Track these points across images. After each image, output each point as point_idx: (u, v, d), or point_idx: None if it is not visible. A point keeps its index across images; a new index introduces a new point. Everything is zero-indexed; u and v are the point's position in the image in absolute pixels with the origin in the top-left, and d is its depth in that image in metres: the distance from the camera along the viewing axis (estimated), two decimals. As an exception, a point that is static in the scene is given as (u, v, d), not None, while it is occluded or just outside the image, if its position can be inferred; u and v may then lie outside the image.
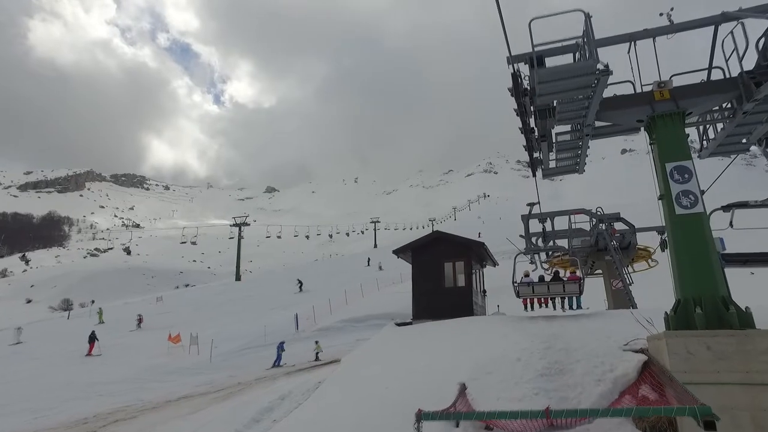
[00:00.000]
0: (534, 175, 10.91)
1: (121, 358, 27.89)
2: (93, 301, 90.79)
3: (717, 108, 8.73)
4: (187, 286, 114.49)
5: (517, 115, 8.27)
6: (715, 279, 6.95)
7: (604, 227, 19.10)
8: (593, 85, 7.36)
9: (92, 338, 29.62)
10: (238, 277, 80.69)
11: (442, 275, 17.87)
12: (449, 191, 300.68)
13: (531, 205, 19.23)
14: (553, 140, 9.50)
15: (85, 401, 19.70)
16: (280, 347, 25.41)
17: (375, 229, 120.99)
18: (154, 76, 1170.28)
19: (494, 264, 21.89)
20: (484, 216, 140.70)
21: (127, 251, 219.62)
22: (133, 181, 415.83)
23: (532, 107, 8.31)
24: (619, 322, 10.77)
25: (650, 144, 8.20)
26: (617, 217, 19.37)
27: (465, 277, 17.64)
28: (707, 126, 9.40)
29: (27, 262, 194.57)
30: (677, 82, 8.20)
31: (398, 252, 19.04)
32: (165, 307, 51.45)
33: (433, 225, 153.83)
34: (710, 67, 8.22)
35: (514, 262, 16.21)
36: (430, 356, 10.19)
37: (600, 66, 7.08)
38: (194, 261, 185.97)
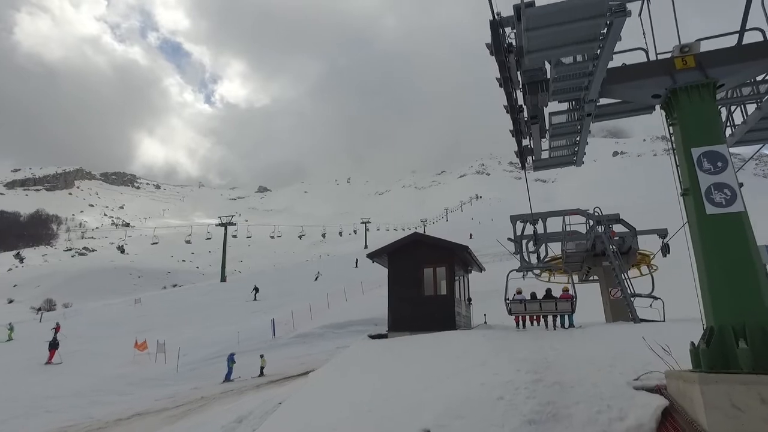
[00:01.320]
0: (523, 167, 9.17)
1: (82, 367, 25.97)
2: (65, 304, 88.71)
3: (749, 82, 6.99)
4: (174, 286, 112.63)
5: (500, 85, 6.49)
6: (763, 300, 5.12)
7: (602, 230, 17.38)
8: (601, 38, 5.56)
9: (53, 345, 27.63)
10: (223, 278, 78.74)
11: (421, 282, 16.14)
12: (442, 192, 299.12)
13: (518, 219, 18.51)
14: (547, 123, 7.76)
15: (27, 420, 17.78)
16: (230, 359, 23.35)
17: (366, 230, 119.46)
18: (145, 74, 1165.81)
19: (480, 269, 20.24)
20: (477, 218, 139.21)
21: (121, 250, 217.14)
22: (124, 179, 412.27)
23: (519, 74, 6.56)
24: (623, 343, 9.03)
25: (669, 125, 6.41)
26: (616, 219, 17.72)
27: (447, 285, 15.91)
28: (733, 107, 7.66)
29: (21, 260, 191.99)
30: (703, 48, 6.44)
31: (373, 256, 17.28)
32: (143, 310, 49.43)
33: (424, 226, 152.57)
34: (743, 29, 6.45)
35: (507, 279, 16.24)
36: (394, 387, 8.38)
37: (612, 2, 5.29)
38: (183, 261, 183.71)
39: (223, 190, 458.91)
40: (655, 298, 15.74)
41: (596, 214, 17.63)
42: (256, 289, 50.64)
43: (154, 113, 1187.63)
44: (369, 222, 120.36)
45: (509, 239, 18.87)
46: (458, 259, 17.09)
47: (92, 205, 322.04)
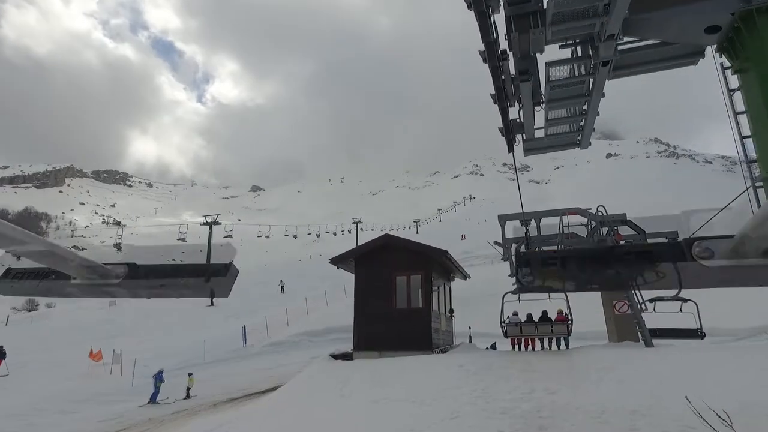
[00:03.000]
0: (510, 148, 6.91)
1: (29, 381, 23.57)
2: (48, 304, 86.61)
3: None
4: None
5: (470, 6, 4.20)
6: None
7: (606, 232, 15.12)
8: None
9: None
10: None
11: (392, 293, 13.94)
12: (435, 193, 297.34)
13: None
14: (542, 83, 5.50)
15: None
16: (158, 378, 20.69)
17: (357, 230, 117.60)
18: (136, 71, 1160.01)
19: (464, 277, 18.04)
20: (473, 218, 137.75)
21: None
22: (116, 177, 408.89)
23: (502, 3, 4.31)
24: (643, 383, 6.78)
25: (733, 72, 4.15)
26: (623, 220, 15.23)
27: (423, 296, 13.73)
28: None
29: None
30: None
31: (337, 261, 15.02)
32: (116, 313, 46.94)
33: (417, 226, 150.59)
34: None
35: (502, 302, 16.02)
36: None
37: None
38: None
39: (216, 189, 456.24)
40: (684, 300, 13.82)
41: (600, 214, 15.17)
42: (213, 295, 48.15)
43: (147, 111, 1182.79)
44: (360, 222, 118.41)
45: (496, 243, 16.74)
46: (436, 265, 14.87)
47: (83, 203, 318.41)
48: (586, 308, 21.80)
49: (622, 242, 13.67)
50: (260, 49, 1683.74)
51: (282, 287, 56.81)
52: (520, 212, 14.85)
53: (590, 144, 6.63)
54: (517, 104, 5.89)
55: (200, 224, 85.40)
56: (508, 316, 16.82)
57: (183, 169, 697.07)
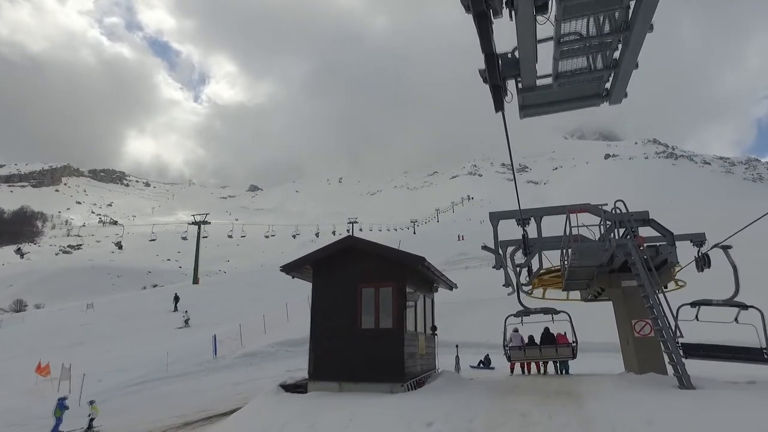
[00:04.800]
0: (499, 107, 4.41)
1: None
2: (36, 305, 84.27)
3: None
4: (155, 286, 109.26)
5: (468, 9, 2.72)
6: None
7: (623, 234, 12.16)
8: None
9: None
10: (195, 280, 74.12)
11: (356, 309, 11.44)
12: (433, 193, 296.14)
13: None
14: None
15: None
16: (60, 406, 17.11)
17: (352, 230, 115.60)
18: (134, 70, 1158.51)
19: (450, 287, 15.52)
20: (473, 219, 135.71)
21: (119, 245, 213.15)
22: (113, 176, 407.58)
23: None
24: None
25: None
26: (644, 219, 12.51)
27: (394, 313, 11.17)
28: None
29: (22, 255, 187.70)
30: None
31: (291, 269, 12.40)
32: (91, 317, 44.39)
33: (415, 226, 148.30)
34: None
35: (505, 325, 15.81)
36: None
37: None
38: (168, 260, 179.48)
39: (214, 188, 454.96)
40: (744, 306, 11.42)
41: (616, 211, 11.89)
42: (177, 299, 45.32)
43: (144, 110, 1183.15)
44: (356, 222, 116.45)
45: (484, 247, 14.24)
46: (412, 275, 12.53)
47: (80, 203, 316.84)
48: (586, 316, 19.55)
49: (644, 247, 10.95)
50: (257, 49, 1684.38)
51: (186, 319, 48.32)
52: (517, 209, 12.26)
53: (626, 96, 4.12)
54: (508, 15, 3.42)
55: (189, 224, 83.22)
56: (510, 337, 16.57)
57: (181, 168, 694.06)
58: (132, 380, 22.03)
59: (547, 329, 17.00)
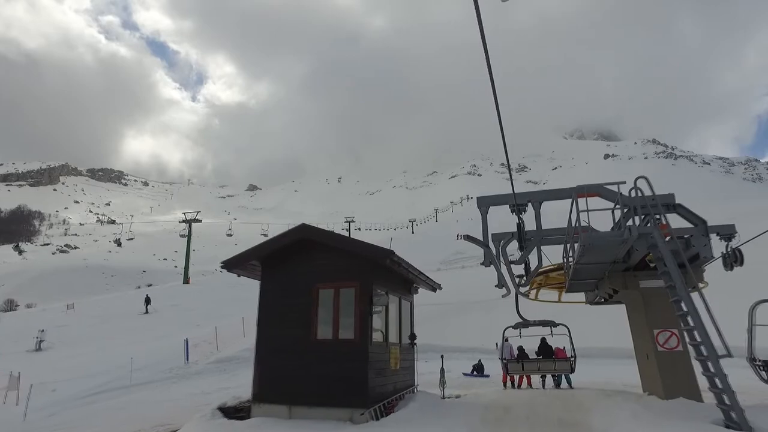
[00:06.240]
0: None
1: None
2: (28, 305, 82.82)
3: None
4: (149, 286, 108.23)
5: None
6: None
7: (642, 221, 9.78)
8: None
9: None
10: (186, 280, 72.96)
11: (311, 315, 9.58)
12: (432, 193, 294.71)
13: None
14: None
15: None
16: None
17: (349, 229, 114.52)
18: (131, 69, 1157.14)
19: (433, 288, 13.76)
20: (475, 218, 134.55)
21: (118, 243, 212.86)
22: (111, 176, 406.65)
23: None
24: None
25: None
26: (671, 204, 10.14)
27: (357, 321, 9.30)
28: None
29: (20, 252, 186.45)
30: None
31: (233, 265, 10.53)
32: (71, 318, 42.64)
33: (413, 226, 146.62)
34: None
35: (503, 337, 15.63)
36: None
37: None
38: (165, 259, 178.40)
39: (213, 188, 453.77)
40: None
41: (636, 194, 9.21)
42: (148, 300, 43.66)
43: (142, 109, 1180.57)
44: (353, 221, 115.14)
45: (468, 237, 12.34)
46: (382, 273, 10.57)
47: (77, 202, 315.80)
48: (585, 319, 18.58)
49: (670, 238, 8.85)
50: (255, 48, 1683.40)
51: (147, 303, 46.23)
52: (510, 192, 10.29)
53: None
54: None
55: (179, 221, 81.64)
56: (503, 344, 16.00)
57: (180, 168, 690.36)
58: (91, 389, 20.12)
59: (544, 340, 16.15)
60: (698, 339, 7.41)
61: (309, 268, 10.17)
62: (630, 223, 8.45)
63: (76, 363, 24.07)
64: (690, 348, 8.24)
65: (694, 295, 7.94)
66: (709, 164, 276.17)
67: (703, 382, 8.08)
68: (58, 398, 19.25)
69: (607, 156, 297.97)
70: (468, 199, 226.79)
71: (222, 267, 10.80)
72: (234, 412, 9.86)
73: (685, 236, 9.95)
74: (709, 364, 7.21)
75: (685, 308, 7.68)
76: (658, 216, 8.94)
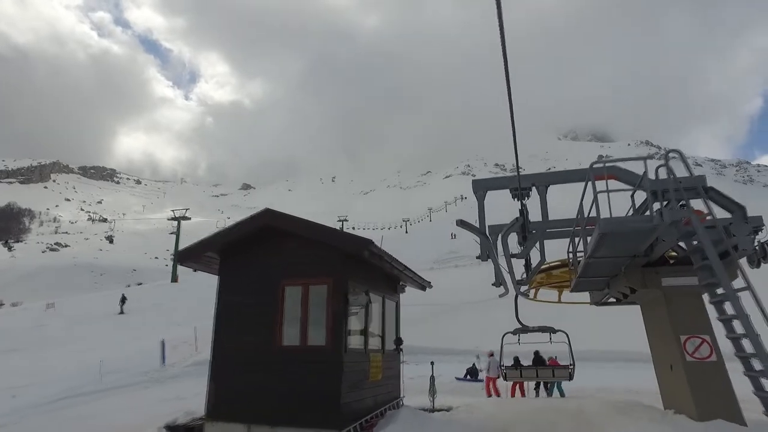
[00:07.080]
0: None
1: None
2: (13, 303, 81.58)
3: None
4: (139, 284, 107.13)
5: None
6: None
7: (666, 206, 7.84)
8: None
9: None
10: (174, 279, 71.78)
11: (275, 318, 8.19)
12: (426, 192, 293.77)
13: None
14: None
15: None
16: None
17: (342, 228, 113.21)
18: (124, 66, 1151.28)
19: (422, 287, 12.41)
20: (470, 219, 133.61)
21: (110, 240, 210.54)
22: (103, 174, 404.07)
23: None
24: None
25: None
26: (703, 188, 8.33)
27: (329, 324, 7.90)
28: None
29: (10, 248, 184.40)
30: None
31: (187, 258, 9.14)
32: (49, 317, 41.10)
33: (407, 225, 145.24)
34: None
35: (502, 343, 15.13)
36: None
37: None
38: (156, 258, 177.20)
39: (206, 186, 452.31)
40: None
41: (668, 175, 7.93)
42: (123, 300, 42.05)
43: (136, 107, 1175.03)
44: (346, 220, 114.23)
45: (461, 222, 10.81)
46: (360, 268, 9.08)
47: (69, 200, 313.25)
48: (583, 319, 17.98)
49: (709, 227, 7.37)
50: (249, 47, 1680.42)
51: (122, 303, 44.32)
52: (514, 174, 8.89)
53: None
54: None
55: (167, 219, 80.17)
56: (489, 362, 16.39)
57: (173, 166, 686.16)
58: (55, 395, 18.56)
59: (537, 353, 16.25)
60: (749, 350, 6.01)
61: (274, 262, 8.79)
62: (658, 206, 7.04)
63: (44, 367, 22.76)
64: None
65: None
66: (701, 166, 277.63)
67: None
68: (18, 405, 17.59)
69: (600, 157, 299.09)
70: (462, 198, 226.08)
71: (176, 261, 9.37)
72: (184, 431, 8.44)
73: (726, 225, 8.22)
74: (763, 381, 5.82)
75: (732, 311, 6.28)
76: (687, 200, 7.43)
